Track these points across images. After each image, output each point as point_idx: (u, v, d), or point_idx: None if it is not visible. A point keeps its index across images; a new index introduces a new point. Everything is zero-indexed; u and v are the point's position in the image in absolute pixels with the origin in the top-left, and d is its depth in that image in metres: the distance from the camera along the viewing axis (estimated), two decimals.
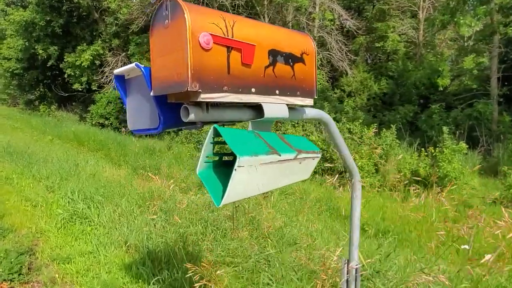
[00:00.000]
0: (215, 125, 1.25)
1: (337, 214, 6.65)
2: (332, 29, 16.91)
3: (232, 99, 1.25)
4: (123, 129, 18.59)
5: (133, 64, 1.34)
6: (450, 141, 8.71)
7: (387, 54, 20.08)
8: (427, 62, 15.63)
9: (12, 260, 3.18)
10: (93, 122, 19.15)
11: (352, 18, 17.78)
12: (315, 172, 9.95)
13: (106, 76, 18.82)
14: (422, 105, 14.79)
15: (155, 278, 2.83)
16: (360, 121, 10.52)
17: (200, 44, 1.13)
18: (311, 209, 6.37)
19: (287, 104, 1.47)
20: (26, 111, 25.24)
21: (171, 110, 1.35)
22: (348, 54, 17.84)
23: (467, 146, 8.51)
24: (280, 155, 1.33)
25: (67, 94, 21.99)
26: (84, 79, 19.64)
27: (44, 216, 4.55)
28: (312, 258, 3.22)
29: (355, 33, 18.48)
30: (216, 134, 1.27)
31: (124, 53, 19.30)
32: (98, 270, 3.23)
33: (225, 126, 1.35)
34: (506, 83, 12.46)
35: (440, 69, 13.27)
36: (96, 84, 19.36)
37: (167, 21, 1.18)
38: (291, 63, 1.45)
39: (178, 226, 4.06)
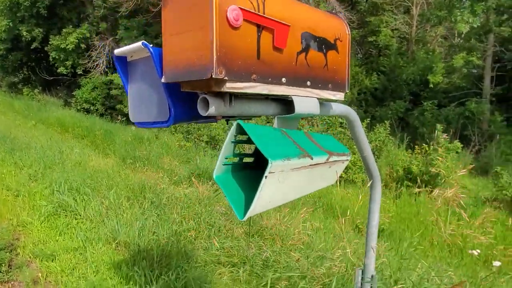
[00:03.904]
0: (240, 121, 1.03)
1: (331, 211, 6.53)
2: None
3: (260, 90, 1.04)
4: (109, 116, 18.18)
5: (139, 43, 1.11)
6: (444, 140, 8.65)
7: (379, 49, 19.96)
8: (419, 58, 15.56)
9: None
10: (78, 108, 18.62)
11: (345, 11, 17.58)
12: None
13: (93, 61, 18.25)
14: (413, 102, 14.77)
15: (152, 287, 2.61)
16: None
17: (228, 20, 0.91)
18: (304, 205, 6.22)
19: (318, 99, 1.27)
20: (9, 94, 24.34)
21: (184, 101, 1.13)
22: None
23: (462, 146, 8.47)
24: (312, 159, 1.13)
25: (51, 78, 21.27)
26: (69, 63, 18.99)
27: (26, 208, 4.27)
28: (314, 262, 3.05)
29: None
30: (239, 131, 1.06)
31: (112, 38, 18.70)
32: (84, 269, 2.99)
33: (245, 121, 1.14)
34: (498, 83, 12.49)
35: (433, 65, 13.20)
36: (82, 69, 18.75)
37: None
38: (324, 50, 1.24)
39: (171, 222, 3.84)
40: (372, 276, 1.94)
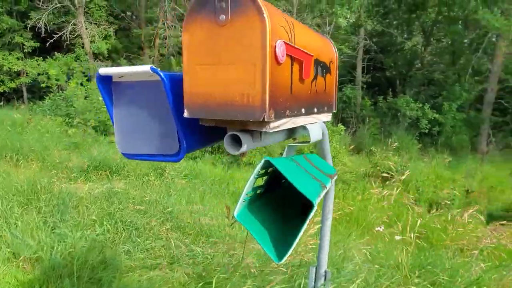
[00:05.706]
0: (269, 158, 0.97)
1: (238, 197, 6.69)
2: None
3: (290, 125, 1.00)
4: None
5: (147, 67, 0.93)
6: (330, 123, 9.61)
7: None
8: None
9: None
10: None
11: None
12: (205, 151, 9.82)
13: None
14: None
15: None
16: None
17: (276, 57, 0.84)
18: (212, 192, 6.23)
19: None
20: None
21: (195, 130, 1.01)
22: None
23: (344, 128, 9.52)
24: (326, 187, 1.14)
25: None
26: None
27: None
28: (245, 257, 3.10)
29: None
30: (264, 166, 1.00)
31: None
32: None
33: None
34: (367, 72, 14.32)
35: None
36: None
37: (223, 16, 0.83)
38: (325, 75, 1.25)
39: (82, 227, 3.43)
40: (325, 272, 2.08)
